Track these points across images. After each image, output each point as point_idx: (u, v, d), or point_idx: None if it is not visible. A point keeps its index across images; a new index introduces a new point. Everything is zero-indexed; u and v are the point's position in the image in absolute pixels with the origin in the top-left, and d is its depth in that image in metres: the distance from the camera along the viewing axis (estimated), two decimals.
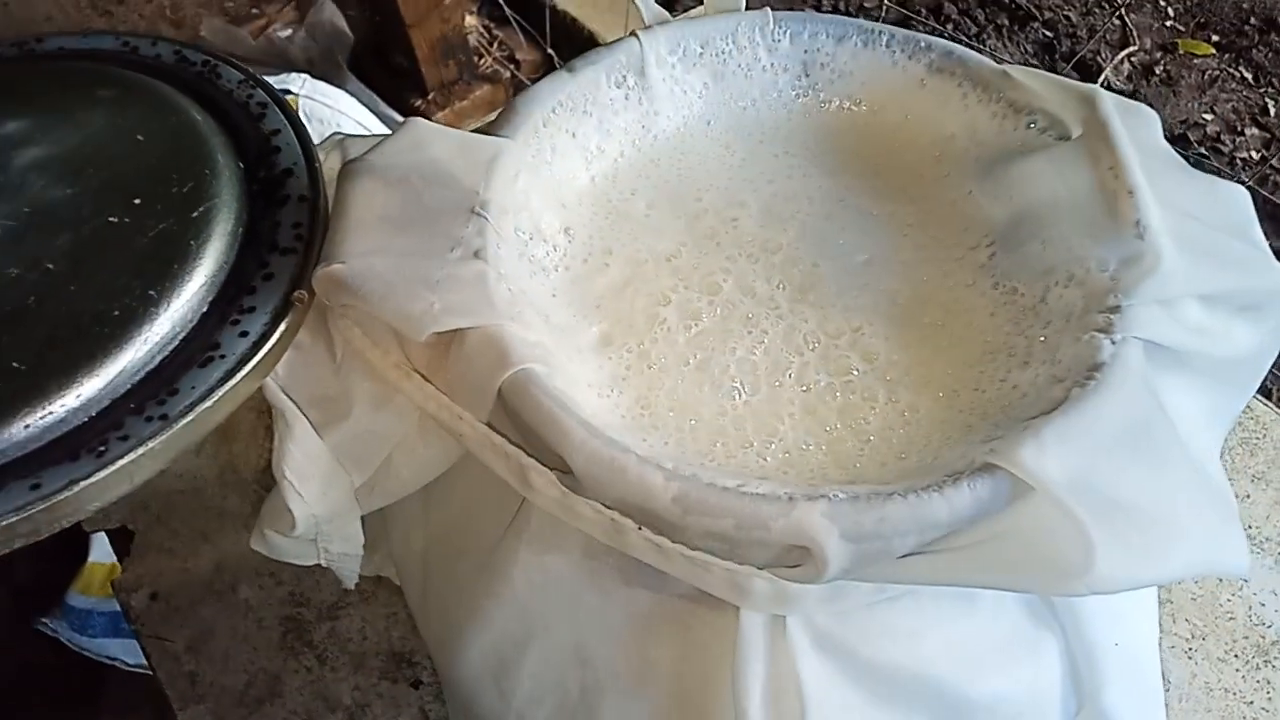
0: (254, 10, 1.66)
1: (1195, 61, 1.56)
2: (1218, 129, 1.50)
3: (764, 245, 0.39)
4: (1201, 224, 0.34)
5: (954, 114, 0.40)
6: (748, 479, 0.30)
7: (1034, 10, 1.61)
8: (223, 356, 0.33)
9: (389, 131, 0.38)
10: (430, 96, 1.55)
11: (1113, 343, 0.31)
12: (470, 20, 1.64)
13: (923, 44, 0.40)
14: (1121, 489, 0.29)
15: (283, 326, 0.34)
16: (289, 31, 1.59)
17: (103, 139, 0.37)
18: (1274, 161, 1.38)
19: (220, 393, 0.32)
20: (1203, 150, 1.43)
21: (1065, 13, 1.66)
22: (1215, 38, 1.59)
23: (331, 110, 1.31)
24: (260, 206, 0.37)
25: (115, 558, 0.76)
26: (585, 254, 0.39)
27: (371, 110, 1.35)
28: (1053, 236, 0.35)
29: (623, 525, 0.31)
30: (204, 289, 0.34)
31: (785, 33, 0.41)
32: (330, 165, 0.39)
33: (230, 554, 0.71)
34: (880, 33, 0.40)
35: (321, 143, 0.41)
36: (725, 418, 0.34)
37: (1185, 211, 0.34)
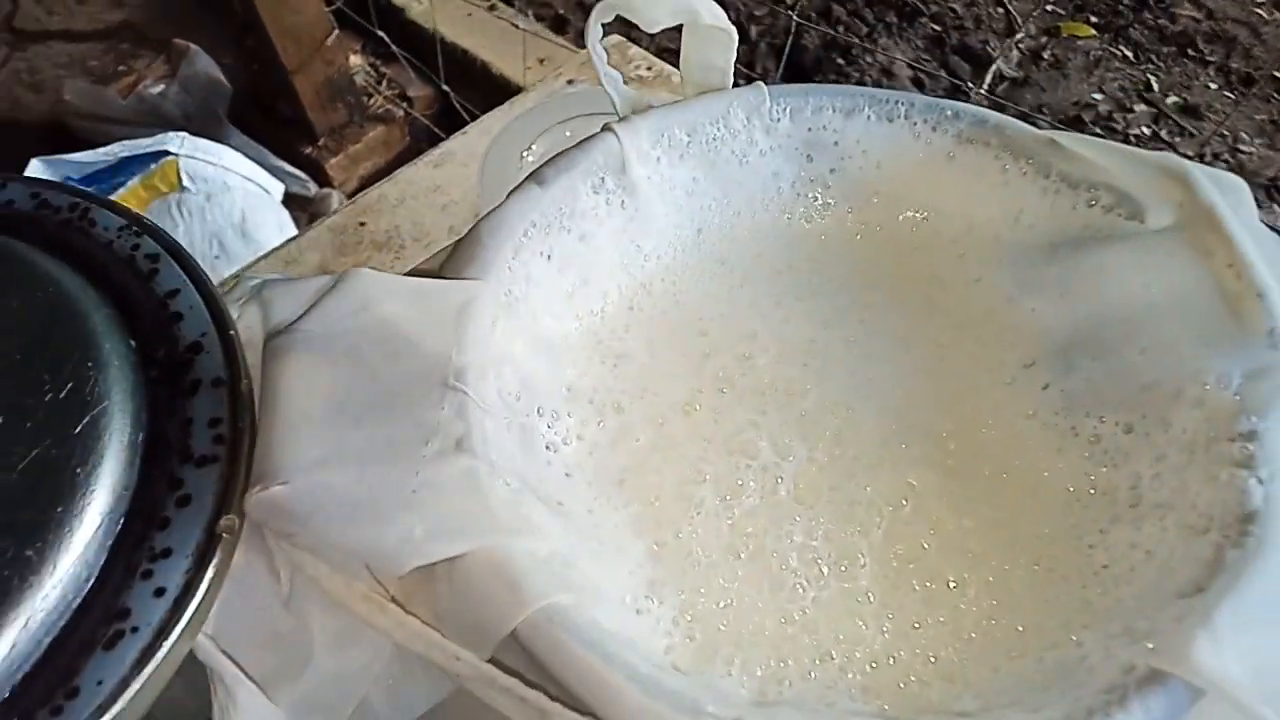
0: (121, 68, 1.53)
1: (1079, 43, 1.60)
2: (1109, 108, 1.53)
3: (787, 389, 0.33)
4: None
5: (990, 194, 0.34)
6: None
7: (920, 5, 1.61)
8: (134, 629, 0.24)
9: (309, 276, 0.30)
10: (321, 142, 1.45)
11: (1260, 482, 0.26)
12: (355, 60, 1.54)
13: (949, 112, 0.34)
14: None
15: (210, 572, 0.26)
16: (161, 87, 1.46)
17: None
18: (1163, 135, 1.41)
19: (138, 683, 0.24)
20: (1098, 130, 1.46)
21: (950, 5, 1.67)
22: (1094, 19, 1.62)
23: (215, 167, 1.20)
24: (164, 401, 0.28)
25: None
26: (597, 416, 0.32)
27: (259, 163, 1.24)
28: (1153, 344, 0.29)
29: None
30: (100, 533, 0.25)
31: (785, 110, 0.35)
32: (247, 324, 0.31)
33: None
34: (898, 103, 0.34)
35: (231, 291, 0.32)
36: (793, 624, 0.28)
37: None
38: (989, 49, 1.54)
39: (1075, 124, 1.39)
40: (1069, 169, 0.32)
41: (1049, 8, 1.60)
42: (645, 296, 0.35)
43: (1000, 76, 1.53)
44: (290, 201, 1.23)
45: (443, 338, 0.28)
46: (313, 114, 1.35)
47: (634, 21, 0.33)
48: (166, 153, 1.16)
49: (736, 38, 0.34)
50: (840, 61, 1.41)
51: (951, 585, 0.29)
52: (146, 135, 1.19)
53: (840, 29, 1.50)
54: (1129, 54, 1.54)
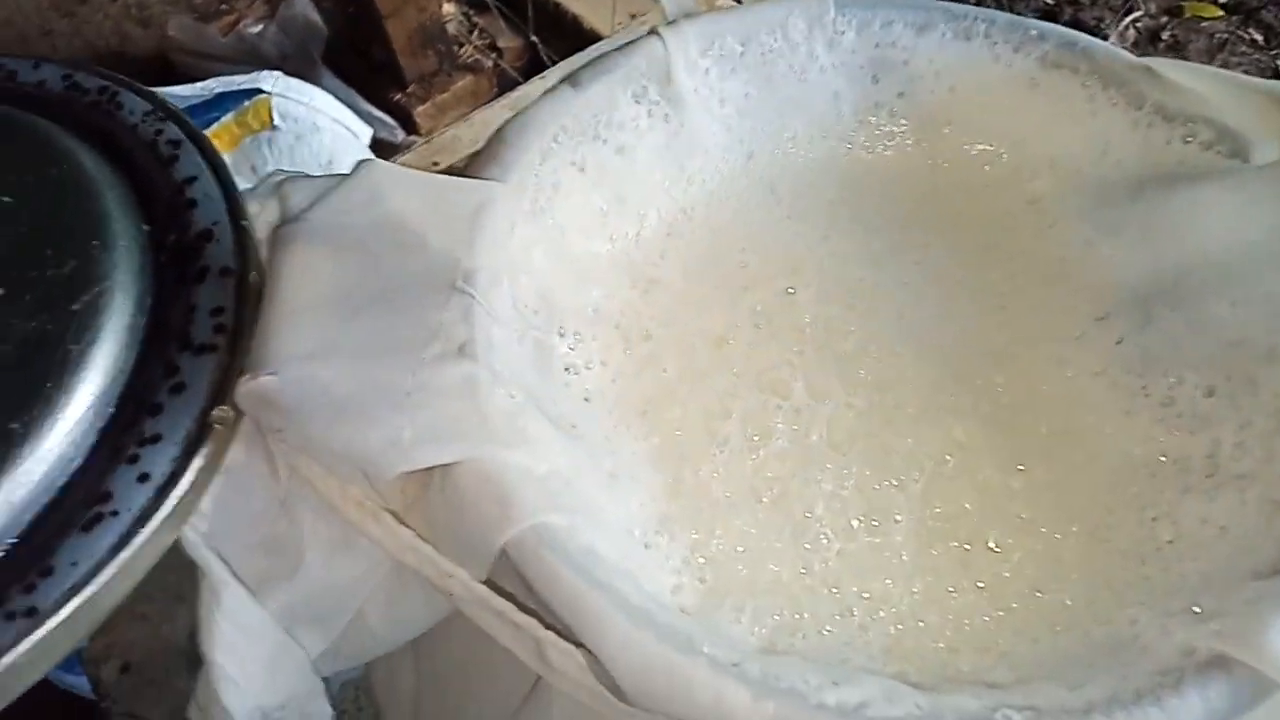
0: (223, 6, 1.56)
1: (1203, 25, 1.50)
2: None
3: (828, 328, 0.30)
4: None
5: (1075, 126, 0.30)
6: (864, 685, 0.21)
7: None
8: (114, 513, 0.23)
9: (334, 175, 0.28)
10: (409, 89, 1.45)
11: None
12: (449, 8, 1.54)
13: (1034, 32, 0.30)
14: None
15: (199, 461, 0.25)
16: (260, 27, 1.49)
17: None
18: None
19: (113, 568, 0.23)
20: None
21: None
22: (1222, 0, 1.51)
23: (307, 108, 1.21)
24: (169, 286, 0.27)
25: None
26: (623, 342, 0.30)
27: (349, 107, 1.25)
28: (1247, 297, 0.25)
29: None
30: (90, 413, 0.25)
31: (850, 23, 0.31)
32: (267, 219, 0.30)
33: None
34: (977, 19, 0.31)
35: (255, 188, 0.31)
36: (813, 576, 0.25)
37: None
38: (1103, 26, 1.45)
39: None
40: (1165, 99, 0.29)
41: None
42: (685, 222, 0.33)
43: None
44: (376, 146, 1.23)
45: (454, 237, 0.26)
46: (404, 60, 1.35)
47: None
48: (260, 90, 1.18)
49: None
50: None
51: (994, 550, 0.27)
52: (243, 73, 1.20)
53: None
54: (1258, 37, 1.44)
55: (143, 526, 0.23)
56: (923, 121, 0.33)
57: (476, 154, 0.29)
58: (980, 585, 0.26)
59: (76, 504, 0.24)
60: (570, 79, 0.30)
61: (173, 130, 0.31)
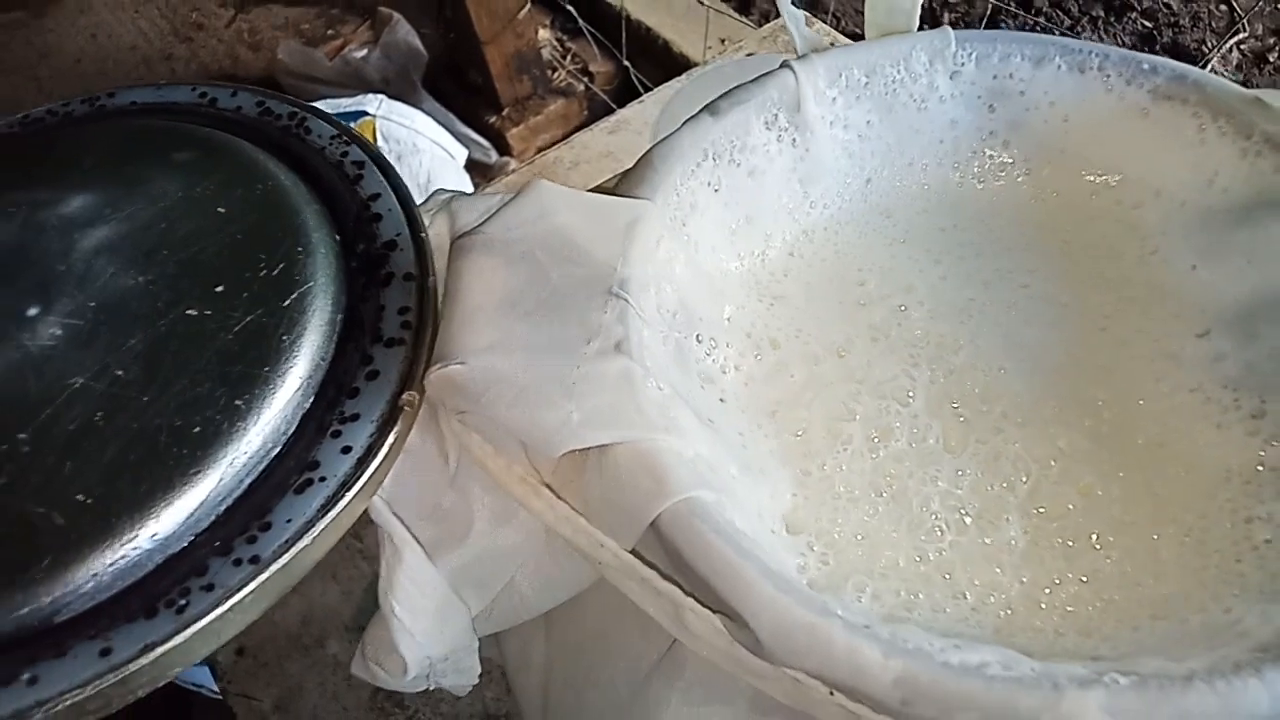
0: (329, 32, 1.65)
1: None
2: None
3: (940, 344, 0.33)
4: None
5: (1184, 154, 0.33)
6: (982, 651, 0.23)
7: (1133, 0, 1.50)
8: (322, 479, 0.27)
9: (494, 192, 0.32)
10: (505, 112, 1.51)
11: None
12: (544, 34, 1.60)
13: (1145, 66, 0.33)
14: None
15: (391, 438, 0.28)
16: (364, 51, 1.57)
17: (180, 212, 0.32)
18: None
19: (321, 525, 0.27)
20: None
21: (1166, 1, 1.55)
22: None
23: (408, 130, 1.28)
24: (360, 288, 0.31)
25: None
26: (754, 350, 0.33)
27: (447, 129, 1.31)
28: None
29: (809, 686, 0.24)
30: (299, 394, 0.29)
31: (970, 55, 0.34)
32: (436, 231, 0.34)
33: (318, 605, 0.69)
34: (1092, 53, 0.33)
35: (424, 203, 0.35)
36: (928, 564, 0.28)
37: None
38: (1205, 49, 1.43)
39: None
40: (1274, 130, 0.31)
41: None
42: (807, 243, 0.36)
43: None
44: (471, 167, 1.29)
45: (611, 249, 0.30)
46: (500, 84, 1.41)
47: None
48: (365, 113, 1.25)
49: None
50: None
51: (1096, 547, 0.29)
52: (348, 96, 1.27)
53: (1041, 19, 1.43)
54: None
55: (347, 490, 0.27)
56: (1035, 150, 0.35)
57: (626, 173, 0.32)
58: (1084, 579, 0.28)
59: (290, 470, 0.28)
60: (709, 108, 0.33)
61: (356, 152, 0.35)
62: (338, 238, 0.32)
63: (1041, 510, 0.29)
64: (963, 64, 0.34)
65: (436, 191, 0.36)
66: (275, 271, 0.31)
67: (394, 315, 0.30)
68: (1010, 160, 0.36)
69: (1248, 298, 0.30)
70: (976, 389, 0.32)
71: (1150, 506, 0.29)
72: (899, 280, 0.35)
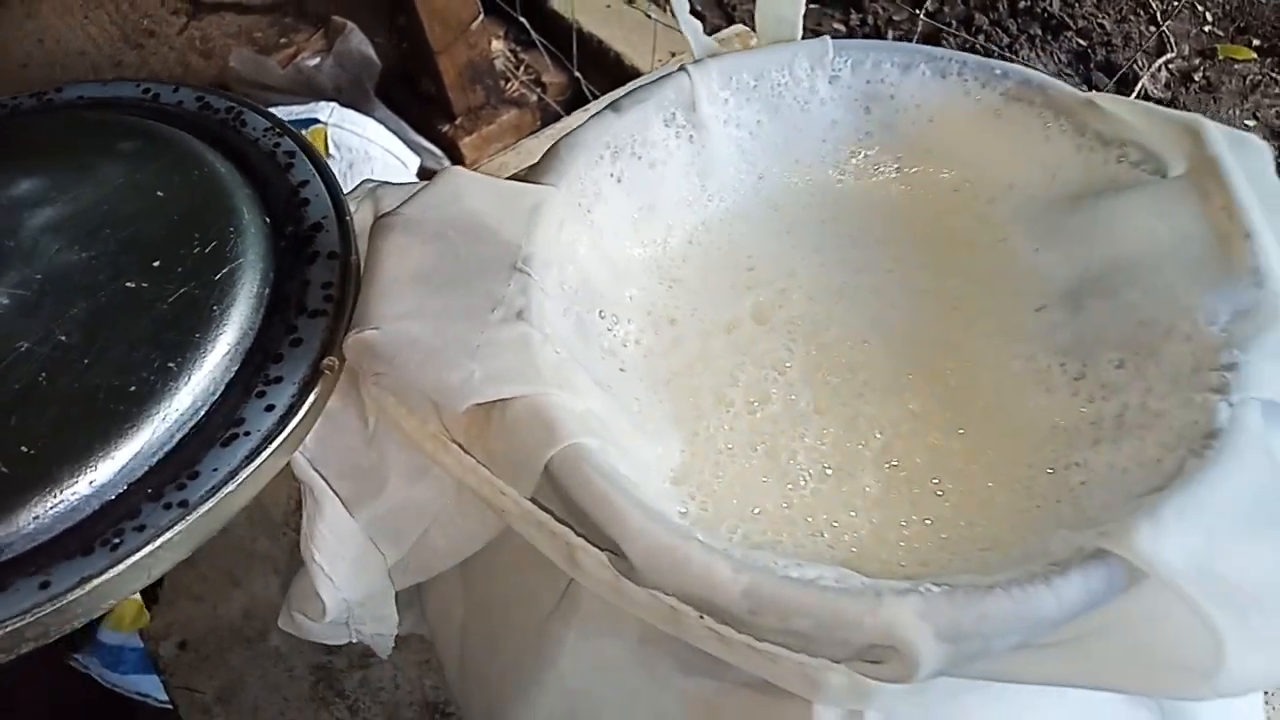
0: (282, 40, 1.66)
1: (1236, 67, 1.53)
2: (1262, 135, 1.46)
3: (814, 321, 0.37)
4: None
5: (1032, 150, 0.37)
6: (820, 569, 0.27)
7: (1067, 20, 1.57)
8: (247, 434, 0.30)
9: (416, 180, 0.35)
10: (457, 121, 1.54)
11: (1230, 405, 0.28)
12: (497, 44, 1.63)
13: (998, 71, 0.37)
14: (1250, 574, 0.26)
15: (311, 398, 0.31)
16: (317, 60, 1.59)
17: (121, 196, 0.35)
18: None
19: (244, 474, 0.29)
20: None
21: (1099, 21, 1.62)
22: (1256, 42, 1.55)
23: (360, 138, 1.30)
24: (288, 265, 0.34)
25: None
26: (654, 326, 0.36)
27: (399, 137, 1.34)
28: (1153, 285, 0.31)
29: (682, 612, 0.28)
30: (227, 359, 0.32)
31: (846, 62, 0.38)
32: (362, 217, 0.37)
33: (260, 598, 0.70)
34: (951, 60, 0.37)
35: (352, 191, 0.38)
36: (792, 508, 0.31)
37: None
38: (1136, 67, 1.49)
39: None
40: (1103, 128, 0.35)
41: (1208, 29, 1.55)
42: (704, 233, 0.40)
43: (1145, 97, 1.48)
44: (424, 175, 1.32)
45: (516, 229, 0.33)
46: (453, 94, 1.43)
47: None
48: (316, 120, 1.27)
49: None
50: None
51: (938, 494, 0.32)
52: (300, 104, 1.30)
53: (981, 38, 1.48)
54: None
55: (269, 444, 0.30)
56: (905, 149, 0.39)
57: (535, 165, 0.35)
58: (927, 521, 0.32)
59: (217, 426, 0.30)
60: (612, 105, 0.36)
61: (288, 143, 0.38)
62: (268, 220, 0.35)
63: (893, 464, 0.33)
64: (840, 70, 0.38)
65: (364, 181, 0.39)
66: (208, 249, 0.33)
67: (318, 289, 0.33)
68: (884, 159, 0.40)
69: (1078, 275, 0.34)
70: (844, 360, 0.36)
71: (988, 459, 0.32)
72: (783, 267, 0.39)
